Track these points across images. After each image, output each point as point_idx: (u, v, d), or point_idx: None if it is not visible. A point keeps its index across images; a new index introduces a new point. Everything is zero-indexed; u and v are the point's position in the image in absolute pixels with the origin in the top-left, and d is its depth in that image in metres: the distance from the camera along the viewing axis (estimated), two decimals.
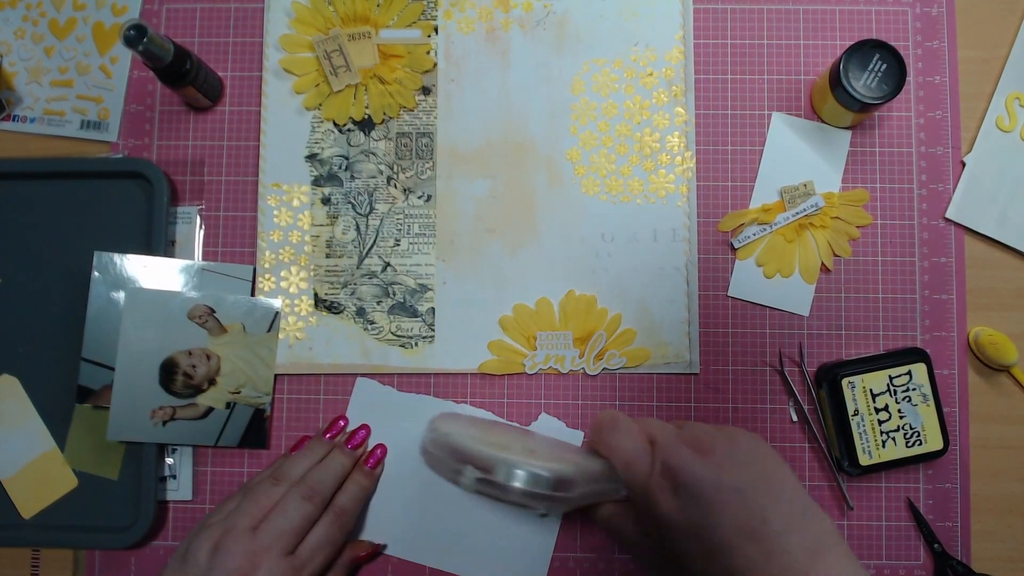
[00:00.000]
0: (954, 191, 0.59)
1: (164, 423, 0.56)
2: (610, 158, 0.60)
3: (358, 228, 0.59)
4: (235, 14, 0.61)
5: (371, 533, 0.57)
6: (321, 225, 0.59)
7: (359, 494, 0.54)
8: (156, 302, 0.57)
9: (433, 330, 0.58)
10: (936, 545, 0.56)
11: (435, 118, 0.60)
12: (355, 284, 0.59)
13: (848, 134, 0.59)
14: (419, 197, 0.59)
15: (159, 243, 0.57)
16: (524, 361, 0.58)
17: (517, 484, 0.43)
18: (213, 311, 0.57)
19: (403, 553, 0.57)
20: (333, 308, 0.59)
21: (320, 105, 0.60)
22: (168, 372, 0.56)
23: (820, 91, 0.58)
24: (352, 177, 0.60)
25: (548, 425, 0.58)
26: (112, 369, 0.56)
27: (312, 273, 0.59)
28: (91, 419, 0.57)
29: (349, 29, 0.60)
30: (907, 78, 0.54)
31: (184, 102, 0.60)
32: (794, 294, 0.58)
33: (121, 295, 0.57)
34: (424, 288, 0.59)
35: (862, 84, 0.54)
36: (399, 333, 0.58)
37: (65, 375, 0.57)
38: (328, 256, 0.59)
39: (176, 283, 0.58)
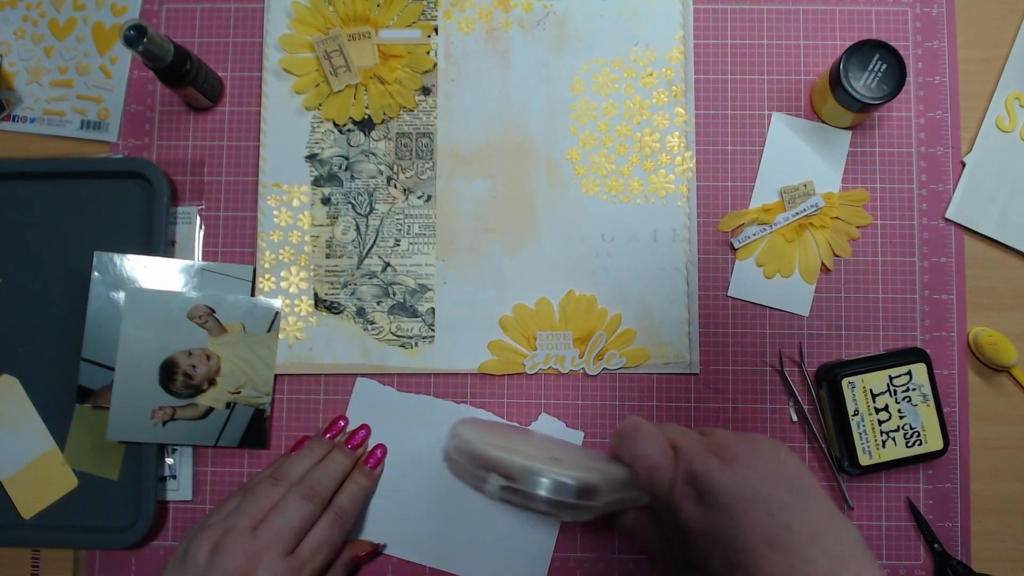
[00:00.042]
0: (954, 191, 0.59)
1: (164, 423, 0.56)
2: (610, 158, 0.60)
3: (358, 228, 0.59)
4: (235, 14, 0.61)
5: (371, 533, 0.57)
6: (321, 225, 0.59)
7: (359, 494, 0.54)
8: (156, 302, 0.57)
9: (433, 330, 0.58)
10: (936, 545, 0.56)
11: (435, 118, 0.60)
12: (355, 284, 0.59)
13: (848, 134, 0.59)
14: (419, 197, 0.59)
15: (159, 243, 0.57)
16: (524, 361, 0.58)
17: (541, 492, 0.42)
18: (213, 311, 0.57)
19: (403, 553, 0.57)
20: (333, 308, 0.59)
21: (320, 105, 0.60)
22: (168, 372, 0.56)
23: (820, 91, 0.58)
24: (352, 177, 0.60)
25: (548, 425, 0.58)
26: (112, 369, 0.56)
27: (312, 273, 0.59)
28: (91, 419, 0.57)
29: (349, 29, 0.60)
30: (907, 78, 0.54)
31: (184, 102, 0.60)
32: (794, 294, 0.58)
33: (121, 295, 0.57)
34: (424, 288, 0.59)
35: (862, 84, 0.54)
36: (399, 333, 0.58)
37: (65, 375, 0.57)
38: (328, 256, 0.59)
39: (176, 283, 0.58)
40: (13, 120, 0.61)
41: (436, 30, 0.60)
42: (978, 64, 0.60)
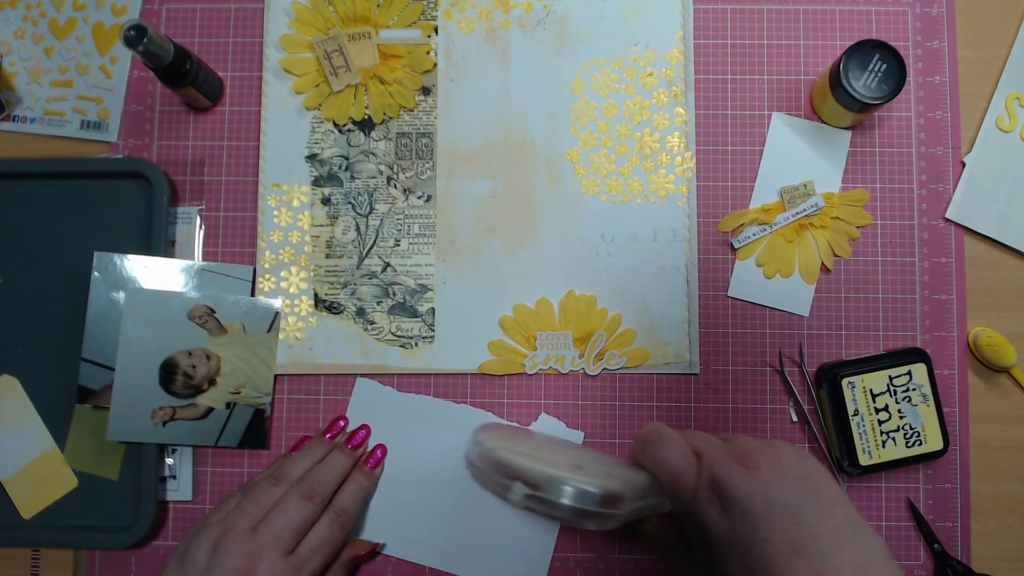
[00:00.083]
0: (954, 191, 0.59)
1: (164, 423, 0.56)
2: (610, 158, 0.60)
3: (358, 228, 0.59)
4: (235, 14, 0.61)
5: (371, 533, 0.57)
6: (321, 225, 0.59)
7: (359, 494, 0.54)
8: (156, 302, 0.57)
9: (433, 330, 0.58)
10: (936, 545, 0.56)
11: (435, 118, 0.60)
12: (355, 284, 0.59)
13: (848, 134, 0.59)
14: (419, 197, 0.59)
15: (159, 243, 0.57)
16: (524, 361, 0.58)
17: (565, 500, 0.42)
18: (213, 311, 0.57)
19: (403, 553, 0.57)
20: (333, 308, 0.59)
21: (320, 105, 0.60)
22: (168, 372, 0.56)
23: (820, 91, 0.58)
24: (352, 177, 0.60)
25: (548, 425, 0.58)
26: (112, 369, 0.56)
27: (312, 273, 0.59)
28: (91, 419, 0.57)
29: (349, 29, 0.60)
30: (907, 78, 0.54)
31: (184, 102, 0.60)
32: (794, 294, 0.58)
33: (121, 295, 0.57)
34: (424, 288, 0.59)
35: (862, 84, 0.54)
36: (399, 333, 0.58)
37: (65, 375, 0.57)
38: (328, 256, 0.59)
39: (176, 283, 0.58)
40: (13, 120, 0.61)
41: (436, 30, 0.60)
42: (978, 64, 0.60)
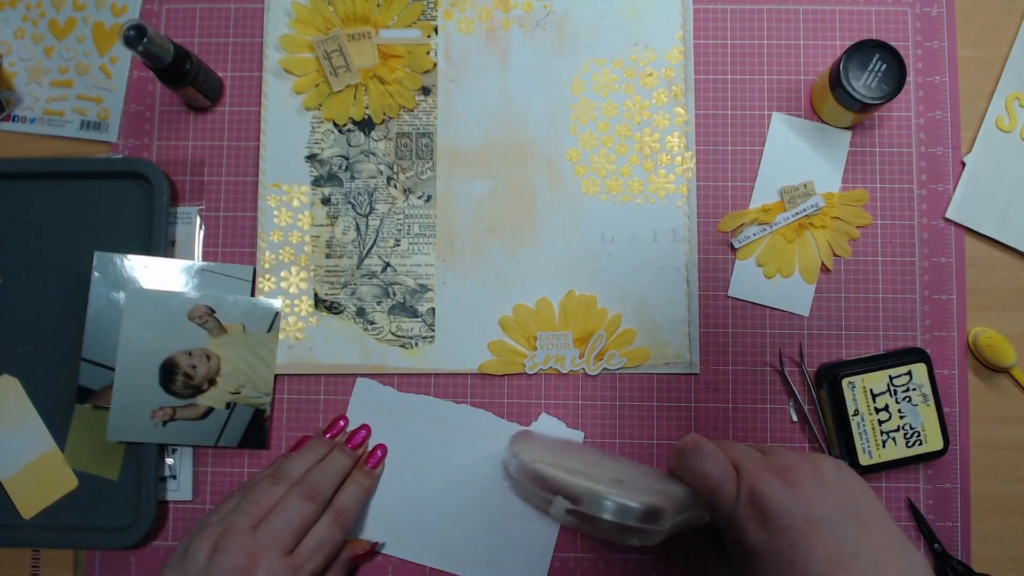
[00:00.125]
0: (954, 191, 0.59)
1: (164, 423, 0.56)
2: (610, 158, 0.60)
3: (358, 228, 0.59)
4: (235, 14, 0.61)
5: (371, 533, 0.57)
6: (321, 225, 0.59)
7: (359, 494, 0.54)
8: (156, 302, 0.57)
9: (433, 330, 0.58)
10: (936, 545, 0.56)
11: (435, 118, 0.60)
12: (355, 284, 0.59)
13: (848, 134, 0.59)
14: (419, 197, 0.59)
15: (159, 243, 0.57)
16: (524, 361, 0.58)
17: (607, 516, 0.42)
18: (213, 311, 0.57)
19: (403, 553, 0.57)
20: (333, 308, 0.59)
21: (320, 105, 0.60)
22: (168, 372, 0.56)
23: (820, 91, 0.58)
24: (352, 177, 0.60)
25: (548, 425, 0.58)
26: (112, 369, 0.56)
27: (312, 273, 0.59)
28: (91, 419, 0.57)
29: (349, 29, 0.60)
30: (907, 78, 0.54)
31: (184, 102, 0.60)
32: (794, 294, 0.58)
33: (121, 295, 0.57)
34: (424, 288, 0.59)
35: (862, 84, 0.54)
36: (399, 333, 0.58)
37: (65, 375, 0.57)
38: (328, 256, 0.59)
39: (176, 283, 0.58)
40: (13, 120, 0.61)
41: (436, 30, 0.60)
42: (978, 64, 0.60)
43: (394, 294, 0.59)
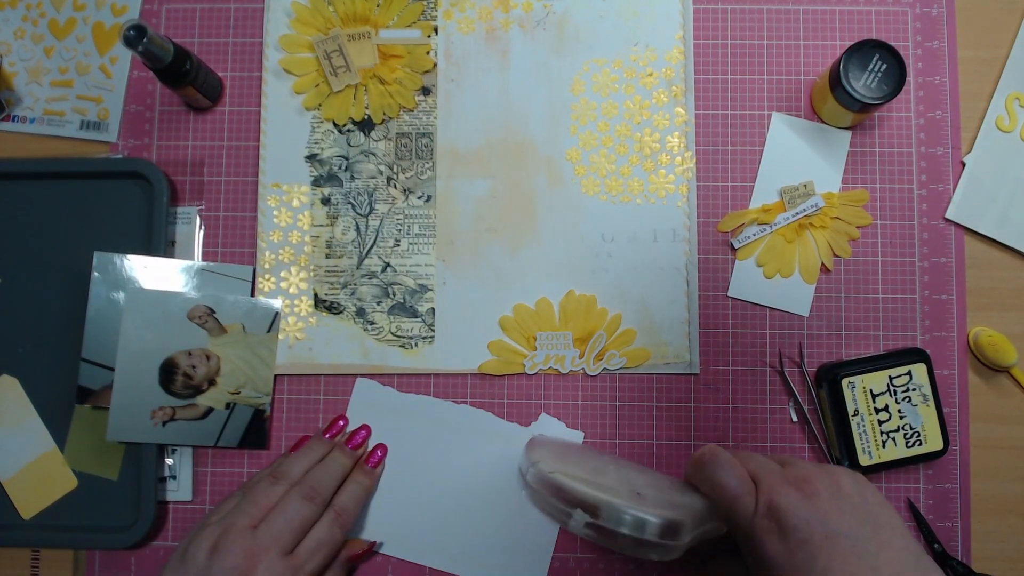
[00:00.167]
0: (954, 191, 0.59)
1: (164, 423, 0.56)
2: (610, 158, 0.60)
3: (358, 228, 0.59)
4: (235, 14, 0.61)
5: (371, 533, 0.57)
6: (321, 225, 0.59)
7: (359, 494, 0.54)
8: (156, 302, 0.57)
9: (433, 330, 0.58)
10: (936, 545, 0.56)
11: (435, 118, 0.60)
12: (355, 284, 0.59)
13: (848, 134, 0.59)
14: (419, 197, 0.59)
15: (159, 243, 0.57)
16: (524, 361, 0.58)
17: (626, 530, 0.42)
18: (213, 311, 0.57)
19: (403, 553, 0.57)
20: (333, 308, 0.59)
21: (320, 105, 0.60)
22: (168, 372, 0.56)
23: (820, 91, 0.58)
24: (352, 177, 0.60)
25: (548, 425, 0.58)
26: (112, 369, 0.56)
27: (312, 273, 0.59)
28: (91, 419, 0.57)
29: (349, 29, 0.60)
30: (907, 78, 0.54)
31: (184, 102, 0.60)
32: (794, 294, 0.58)
33: (121, 295, 0.57)
34: (424, 288, 0.59)
35: (862, 84, 0.54)
36: (399, 333, 0.58)
37: (65, 375, 0.57)
38: (328, 256, 0.59)
39: (176, 283, 0.58)
40: (13, 120, 0.61)
41: (436, 30, 0.60)
42: (978, 64, 0.60)
43: (394, 294, 0.59)
